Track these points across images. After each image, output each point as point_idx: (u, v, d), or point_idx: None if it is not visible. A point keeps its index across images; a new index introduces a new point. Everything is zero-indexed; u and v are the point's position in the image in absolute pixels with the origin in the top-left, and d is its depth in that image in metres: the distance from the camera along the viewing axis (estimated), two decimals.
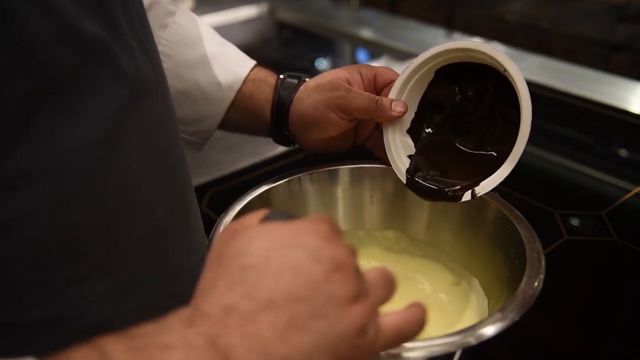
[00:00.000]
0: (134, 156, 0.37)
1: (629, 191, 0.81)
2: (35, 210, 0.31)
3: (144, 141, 0.38)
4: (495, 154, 0.52)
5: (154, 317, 0.29)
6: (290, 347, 0.28)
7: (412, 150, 0.56)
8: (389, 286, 0.34)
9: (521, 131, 0.48)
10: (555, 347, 0.57)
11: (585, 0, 1.34)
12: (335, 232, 0.33)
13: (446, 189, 0.53)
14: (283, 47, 1.67)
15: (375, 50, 1.39)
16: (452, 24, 1.43)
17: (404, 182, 0.55)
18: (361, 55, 1.48)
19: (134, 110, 0.36)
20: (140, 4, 0.41)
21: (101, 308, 0.36)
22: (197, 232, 0.48)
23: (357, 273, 0.32)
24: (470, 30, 1.37)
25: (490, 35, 1.33)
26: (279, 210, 0.34)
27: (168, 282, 0.42)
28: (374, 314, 0.31)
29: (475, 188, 0.50)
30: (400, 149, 0.56)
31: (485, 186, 0.50)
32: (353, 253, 0.33)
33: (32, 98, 0.30)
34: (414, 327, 0.33)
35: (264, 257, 0.30)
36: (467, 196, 0.51)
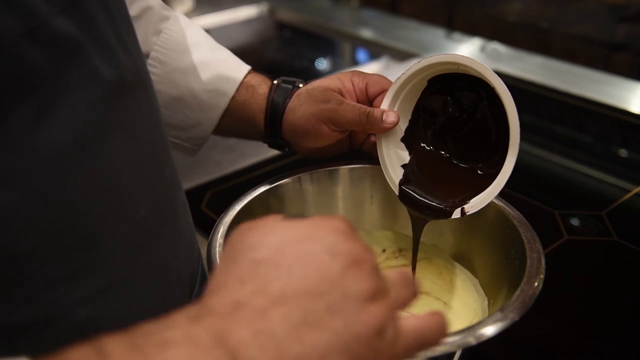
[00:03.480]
0: (115, 155, 0.36)
1: (629, 191, 0.81)
2: (10, 212, 0.31)
3: (126, 140, 0.37)
4: (487, 170, 0.52)
5: (142, 318, 0.27)
6: (305, 345, 0.26)
7: (407, 159, 0.56)
8: (410, 288, 0.32)
9: (509, 153, 0.48)
10: (555, 346, 0.57)
11: (585, 0, 1.33)
12: (351, 229, 0.31)
13: (437, 204, 0.53)
14: (283, 47, 1.67)
15: (375, 50, 1.39)
16: (452, 24, 1.43)
17: (396, 193, 0.55)
18: (361, 55, 1.48)
19: (115, 109, 0.35)
20: (122, 2, 0.41)
21: (86, 309, 0.35)
22: (186, 230, 0.47)
23: (376, 271, 0.30)
24: (470, 30, 1.37)
25: (490, 35, 1.32)
26: (294, 215, 0.32)
27: (155, 281, 0.42)
28: (393, 314, 0.29)
29: (465, 206, 0.50)
30: (394, 159, 0.56)
31: (475, 205, 0.50)
32: (371, 251, 0.31)
33: (3, 98, 0.29)
34: (436, 334, 0.31)
35: (278, 250, 0.29)
36: (456, 214, 0.51)
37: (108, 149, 0.35)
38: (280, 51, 1.66)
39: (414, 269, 0.56)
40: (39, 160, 0.31)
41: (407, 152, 0.56)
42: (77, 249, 0.34)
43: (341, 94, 0.56)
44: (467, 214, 0.50)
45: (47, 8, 0.30)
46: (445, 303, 0.56)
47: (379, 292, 0.29)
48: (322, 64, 1.51)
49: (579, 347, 0.57)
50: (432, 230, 0.58)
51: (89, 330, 0.28)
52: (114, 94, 0.35)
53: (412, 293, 0.32)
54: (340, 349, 0.27)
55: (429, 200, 0.53)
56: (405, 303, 0.31)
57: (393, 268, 0.60)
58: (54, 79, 0.31)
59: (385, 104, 0.54)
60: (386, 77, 0.57)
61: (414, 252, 0.56)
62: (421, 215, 0.54)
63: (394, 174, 0.55)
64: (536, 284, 0.43)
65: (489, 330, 0.39)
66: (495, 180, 0.49)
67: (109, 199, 0.36)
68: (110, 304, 0.37)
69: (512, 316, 0.40)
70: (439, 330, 0.31)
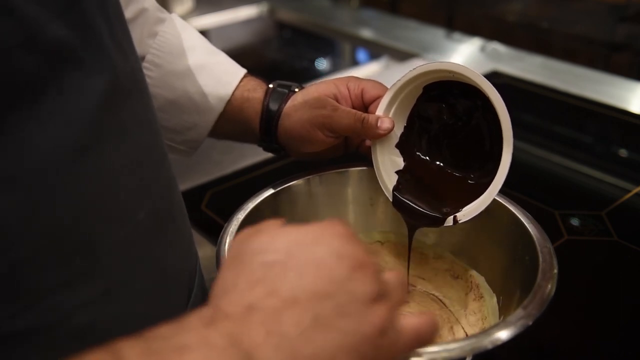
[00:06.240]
0: (111, 159, 0.36)
1: (629, 191, 0.81)
2: (6, 218, 0.30)
3: (122, 142, 0.37)
4: (480, 178, 0.52)
5: (142, 321, 0.28)
6: (315, 346, 0.27)
7: (401, 165, 0.56)
8: (405, 289, 0.33)
9: (502, 162, 0.48)
10: (555, 346, 0.57)
11: (585, 0, 1.34)
12: (353, 233, 0.32)
13: (430, 212, 0.53)
14: (283, 47, 1.67)
15: (375, 50, 1.39)
16: (452, 24, 1.43)
17: (390, 199, 0.55)
18: (361, 55, 1.48)
19: (111, 112, 0.35)
20: (117, 2, 0.40)
21: (84, 314, 0.35)
22: (184, 230, 0.47)
23: (378, 274, 0.31)
24: (470, 30, 1.37)
25: (490, 35, 1.33)
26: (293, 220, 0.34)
27: (154, 284, 0.41)
28: (394, 315, 0.31)
29: (457, 214, 0.50)
30: (388, 165, 0.56)
31: (467, 214, 0.50)
32: (372, 254, 0.32)
33: None
34: (432, 332, 0.33)
35: (287, 253, 0.30)
36: (449, 221, 0.51)
37: (105, 152, 0.35)
38: (280, 51, 1.66)
39: (409, 270, 0.56)
40: (35, 166, 0.31)
41: (401, 159, 0.56)
42: (75, 255, 0.34)
43: (336, 99, 0.55)
44: (459, 222, 0.50)
45: (44, 15, 0.30)
46: (449, 300, 0.56)
47: (381, 294, 0.30)
48: (322, 64, 1.51)
49: (579, 347, 0.57)
50: (438, 230, 0.57)
51: (88, 335, 0.27)
52: (109, 96, 0.34)
53: (406, 294, 0.33)
54: (348, 349, 0.28)
55: (421, 207, 0.53)
56: (402, 303, 0.32)
57: (391, 269, 0.60)
58: (49, 84, 0.31)
59: (380, 110, 0.54)
60: (382, 82, 0.57)
61: (409, 254, 0.56)
62: (413, 222, 0.54)
63: (388, 179, 0.55)
64: (551, 281, 0.43)
65: (503, 335, 0.38)
66: (488, 188, 0.49)
67: (107, 202, 0.35)
68: (109, 308, 0.36)
69: (535, 313, 0.40)
70: (434, 328, 0.33)
